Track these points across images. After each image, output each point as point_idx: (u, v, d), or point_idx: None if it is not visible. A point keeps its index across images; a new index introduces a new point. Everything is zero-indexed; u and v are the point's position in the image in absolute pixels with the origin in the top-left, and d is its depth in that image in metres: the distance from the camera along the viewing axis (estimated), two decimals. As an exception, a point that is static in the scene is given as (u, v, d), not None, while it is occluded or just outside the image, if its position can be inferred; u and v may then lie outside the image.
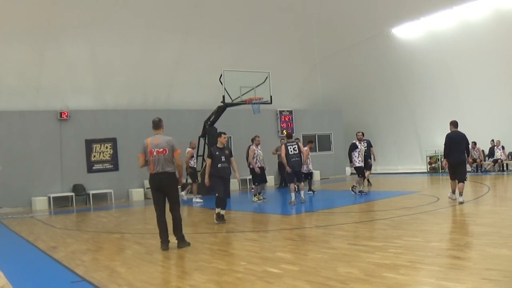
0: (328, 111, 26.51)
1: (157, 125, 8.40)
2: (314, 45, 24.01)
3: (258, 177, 15.78)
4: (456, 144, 11.81)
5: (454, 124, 12.09)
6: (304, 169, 15.67)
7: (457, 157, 11.84)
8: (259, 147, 15.96)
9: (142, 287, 5.94)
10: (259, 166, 15.78)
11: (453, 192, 12.15)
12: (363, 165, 15.60)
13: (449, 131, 12.10)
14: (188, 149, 16.99)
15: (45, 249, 8.95)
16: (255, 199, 15.74)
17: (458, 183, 11.79)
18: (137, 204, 18.02)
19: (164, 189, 8.16)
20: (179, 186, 8.63)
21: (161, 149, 8.07)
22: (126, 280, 6.25)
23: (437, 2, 19.73)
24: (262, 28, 21.88)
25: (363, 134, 16.36)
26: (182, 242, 8.20)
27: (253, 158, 15.63)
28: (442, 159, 14.45)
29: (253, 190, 16.70)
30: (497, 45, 19.21)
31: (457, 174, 11.86)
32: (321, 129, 25.59)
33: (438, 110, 22.40)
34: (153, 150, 8.09)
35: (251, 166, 15.84)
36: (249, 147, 16.40)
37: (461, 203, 11.42)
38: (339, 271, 5.93)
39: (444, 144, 12.10)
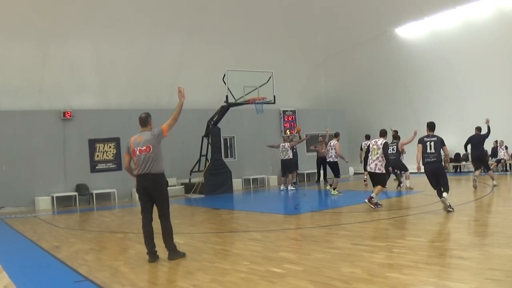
0: (331, 111, 26.47)
1: (144, 121, 7.44)
2: (317, 45, 24.01)
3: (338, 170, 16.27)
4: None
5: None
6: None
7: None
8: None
9: (145, 287, 5.95)
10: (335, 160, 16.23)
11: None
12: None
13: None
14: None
15: (48, 248, 8.95)
16: (335, 192, 15.83)
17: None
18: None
19: (149, 192, 7.26)
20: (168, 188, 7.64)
21: (144, 147, 7.18)
22: (129, 279, 6.26)
23: (440, 2, 19.73)
24: (266, 28, 21.89)
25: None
26: (173, 253, 7.34)
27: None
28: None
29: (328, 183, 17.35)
30: (500, 44, 19.18)
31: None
32: (324, 129, 25.52)
33: (441, 110, 22.36)
34: (135, 149, 7.22)
35: (335, 159, 16.19)
36: (335, 142, 16.38)
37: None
38: (343, 271, 5.93)
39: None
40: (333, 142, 16.32)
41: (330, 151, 16.28)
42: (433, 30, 21.08)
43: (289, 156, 18.84)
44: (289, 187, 18.88)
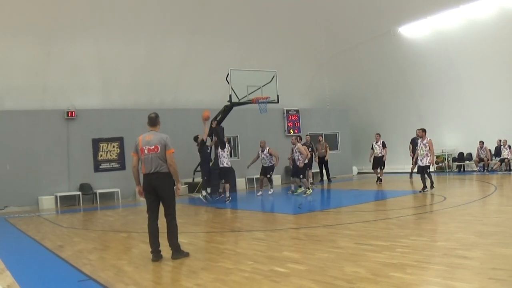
0: (334, 110, 26.45)
1: (153, 121, 7.62)
2: (321, 44, 23.98)
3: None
4: None
5: None
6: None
7: None
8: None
9: (148, 286, 5.96)
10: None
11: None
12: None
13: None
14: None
15: (52, 248, 8.98)
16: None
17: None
18: (144, 203, 17.79)
19: (156, 191, 7.38)
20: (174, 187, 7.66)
21: (152, 147, 7.29)
22: (133, 279, 6.27)
23: (443, 1, 19.68)
24: (269, 28, 21.87)
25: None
26: (177, 252, 7.37)
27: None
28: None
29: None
30: (504, 44, 19.13)
31: None
32: (328, 128, 25.52)
33: (444, 109, 22.35)
34: (144, 148, 7.33)
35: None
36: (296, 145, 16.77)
37: None
38: (346, 270, 5.93)
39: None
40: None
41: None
42: (436, 29, 21.03)
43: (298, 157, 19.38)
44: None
